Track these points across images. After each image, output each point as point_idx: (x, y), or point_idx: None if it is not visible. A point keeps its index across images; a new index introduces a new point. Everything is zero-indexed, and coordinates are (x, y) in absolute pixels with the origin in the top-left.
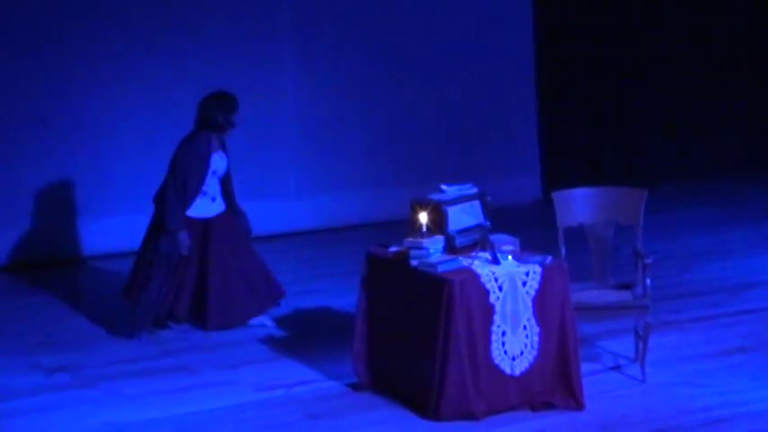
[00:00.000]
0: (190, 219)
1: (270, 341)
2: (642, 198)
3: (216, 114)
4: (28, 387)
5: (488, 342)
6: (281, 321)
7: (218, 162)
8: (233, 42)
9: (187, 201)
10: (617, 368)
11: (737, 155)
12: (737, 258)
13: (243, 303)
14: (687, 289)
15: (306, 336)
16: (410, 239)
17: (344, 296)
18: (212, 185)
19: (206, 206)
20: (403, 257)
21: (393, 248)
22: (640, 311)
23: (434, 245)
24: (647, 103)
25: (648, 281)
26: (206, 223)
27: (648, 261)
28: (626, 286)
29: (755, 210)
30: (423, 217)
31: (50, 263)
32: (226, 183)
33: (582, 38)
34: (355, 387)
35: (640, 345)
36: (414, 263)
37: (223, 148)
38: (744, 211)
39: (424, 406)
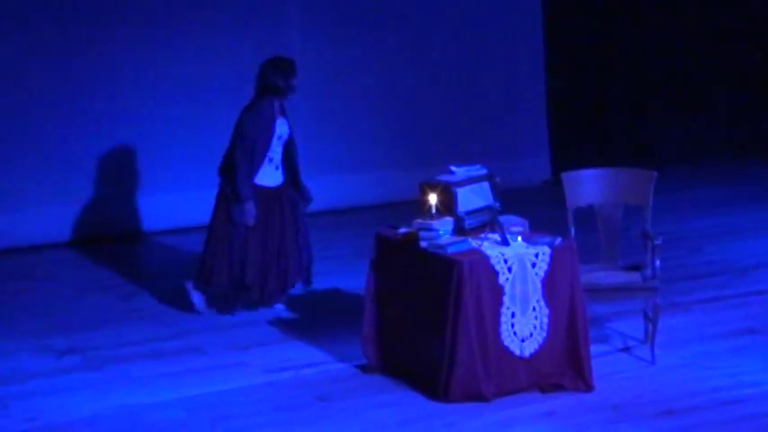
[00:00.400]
0: (257, 187)
1: (279, 323)
2: (651, 179)
3: (276, 79)
4: (38, 369)
5: (498, 323)
6: (290, 303)
7: (281, 127)
8: (237, 24)
9: (254, 168)
10: (626, 350)
11: (748, 135)
12: (747, 239)
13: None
14: (696, 270)
15: (315, 317)
16: (419, 221)
17: (354, 278)
18: (277, 152)
19: (272, 174)
20: (412, 239)
21: (402, 230)
22: (650, 293)
23: (444, 226)
24: (657, 84)
25: (658, 262)
26: (272, 192)
27: (658, 242)
28: (635, 267)
29: (765, 190)
30: (432, 198)
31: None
32: (289, 150)
33: (591, 20)
34: (365, 369)
35: (650, 326)
36: (423, 244)
37: (284, 113)
38: (753, 192)
39: (434, 387)
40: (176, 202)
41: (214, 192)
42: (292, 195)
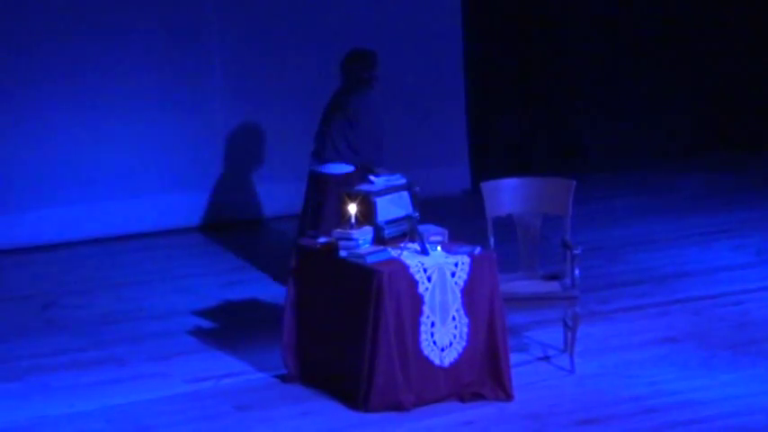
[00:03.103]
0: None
1: (199, 332)
2: (570, 188)
3: (360, 71)
4: None
5: (417, 333)
6: (209, 313)
7: None
8: (158, 31)
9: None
10: (546, 359)
11: (666, 145)
12: (666, 248)
13: None
14: (616, 279)
15: (235, 327)
16: (339, 230)
17: (273, 287)
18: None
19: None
20: (332, 248)
21: (322, 239)
22: (569, 302)
23: (363, 236)
24: (577, 94)
25: (577, 271)
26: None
27: (577, 252)
28: (555, 277)
29: (684, 200)
30: (351, 208)
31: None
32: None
33: (511, 27)
34: (284, 378)
35: (569, 335)
36: (343, 254)
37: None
38: (672, 202)
39: (354, 397)
40: None
41: None
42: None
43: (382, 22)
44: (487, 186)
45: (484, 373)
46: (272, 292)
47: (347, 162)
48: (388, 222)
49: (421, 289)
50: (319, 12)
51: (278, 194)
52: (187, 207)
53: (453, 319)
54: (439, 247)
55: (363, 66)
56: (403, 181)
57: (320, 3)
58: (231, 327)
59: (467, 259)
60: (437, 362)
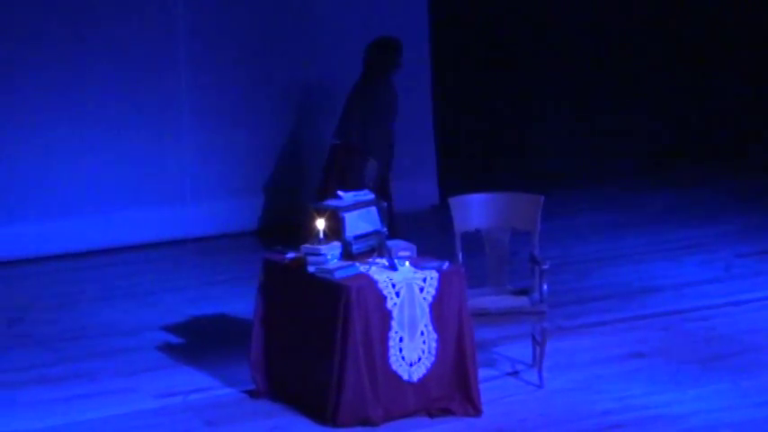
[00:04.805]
0: None
1: (168, 348)
2: (538, 204)
3: (386, 59)
4: None
5: (386, 348)
6: (177, 329)
7: None
8: (125, 40)
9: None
10: (514, 374)
11: (634, 159)
12: (634, 263)
13: None
14: (584, 294)
15: (203, 343)
16: (307, 245)
17: (241, 303)
18: None
19: None
20: (300, 264)
21: (290, 254)
22: (537, 317)
23: (332, 251)
24: (546, 108)
25: (545, 286)
26: None
27: (545, 267)
28: (523, 292)
29: (652, 215)
30: (320, 223)
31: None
32: None
33: (479, 41)
34: (253, 394)
35: (537, 350)
36: (311, 269)
37: None
38: (640, 217)
39: (322, 412)
40: None
41: None
42: None
43: (351, 38)
44: (456, 201)
45: (452, 389)
46: (241, 307)
47: (356, 144)
48: (357, 238)
49: (389, 304)
50: (284, 26)
51: (250, 208)
52: (155, 222)
53: (422, 334)
54: (407, 263)
55: (388, 53)
56: (371, 196)
57: (287, 16)
58: (200, 342)
59: (435, 274)
60: (405, 377)
